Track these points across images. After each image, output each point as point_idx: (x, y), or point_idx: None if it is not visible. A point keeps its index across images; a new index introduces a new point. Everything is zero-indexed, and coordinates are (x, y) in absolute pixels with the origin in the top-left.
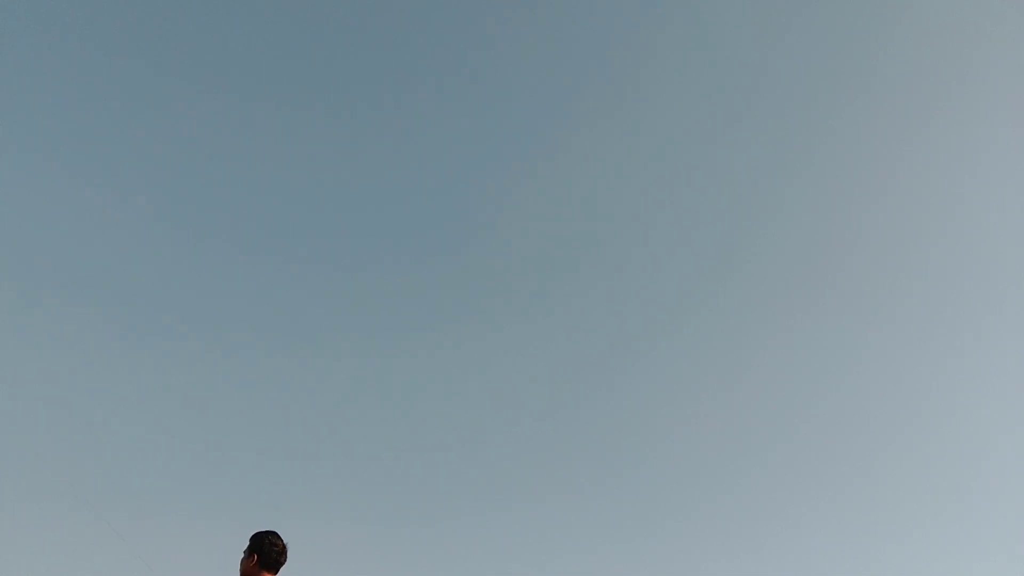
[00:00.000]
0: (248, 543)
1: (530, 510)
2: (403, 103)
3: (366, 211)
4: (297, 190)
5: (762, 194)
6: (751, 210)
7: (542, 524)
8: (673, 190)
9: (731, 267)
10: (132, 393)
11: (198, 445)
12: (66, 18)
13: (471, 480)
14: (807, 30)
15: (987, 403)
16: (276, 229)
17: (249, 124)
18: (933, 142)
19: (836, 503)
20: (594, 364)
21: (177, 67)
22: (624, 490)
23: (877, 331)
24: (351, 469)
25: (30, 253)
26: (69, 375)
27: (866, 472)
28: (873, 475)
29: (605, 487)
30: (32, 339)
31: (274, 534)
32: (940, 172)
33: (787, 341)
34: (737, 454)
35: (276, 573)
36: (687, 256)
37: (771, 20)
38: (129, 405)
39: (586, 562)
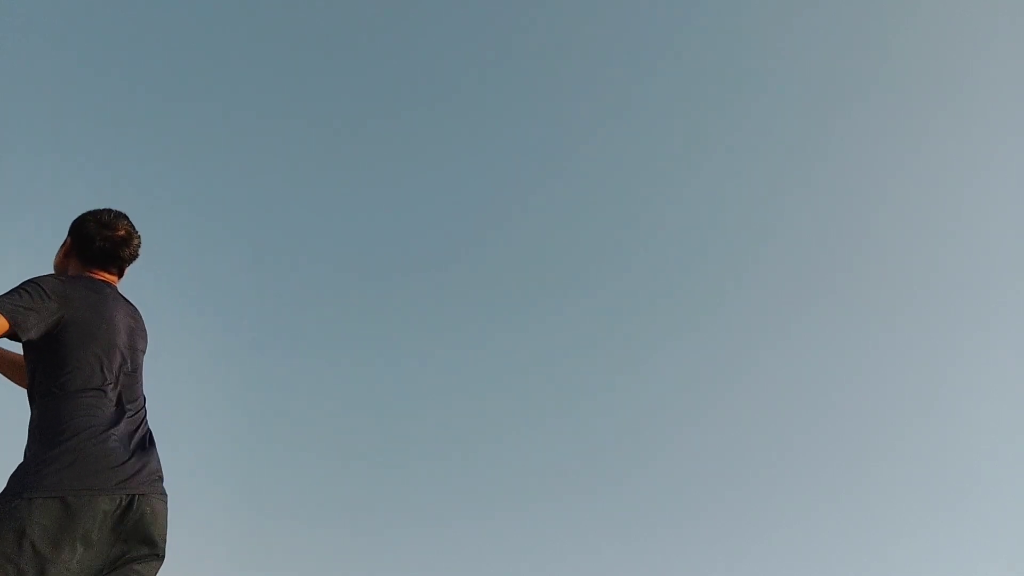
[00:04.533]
0: None
1: (534, 512)
2: (404, 106)
3: (368, 214)
4: (300, 195)
5: (767, 197)
6: (757, 212)
7: (547, 526)
8: (678, 192)
9: (736, 270)
10: None
11: (198, 447)
12: (66, 19)
13: (476, 483)
14: (810, 32)
15: (991, 406)
16: (278, 232)
17: (252, 129)
18: (938, 144)
19: (843, 505)
20: (599, 367)
21: (181, 71)
22: (629, 492)
23: (882, 334)
24: (354, 473)
25: (30, 255)
26: None
27: (873, 474)
28: (879, 477)
29: (610, 489)
30: None
31: (110, 213)
32: (946, 174)
33: (792, 343)
34: (742, 456)
35: (112, 272)
36: (692, 258)
37: (775, 22)
38: None
39: (591, 564)
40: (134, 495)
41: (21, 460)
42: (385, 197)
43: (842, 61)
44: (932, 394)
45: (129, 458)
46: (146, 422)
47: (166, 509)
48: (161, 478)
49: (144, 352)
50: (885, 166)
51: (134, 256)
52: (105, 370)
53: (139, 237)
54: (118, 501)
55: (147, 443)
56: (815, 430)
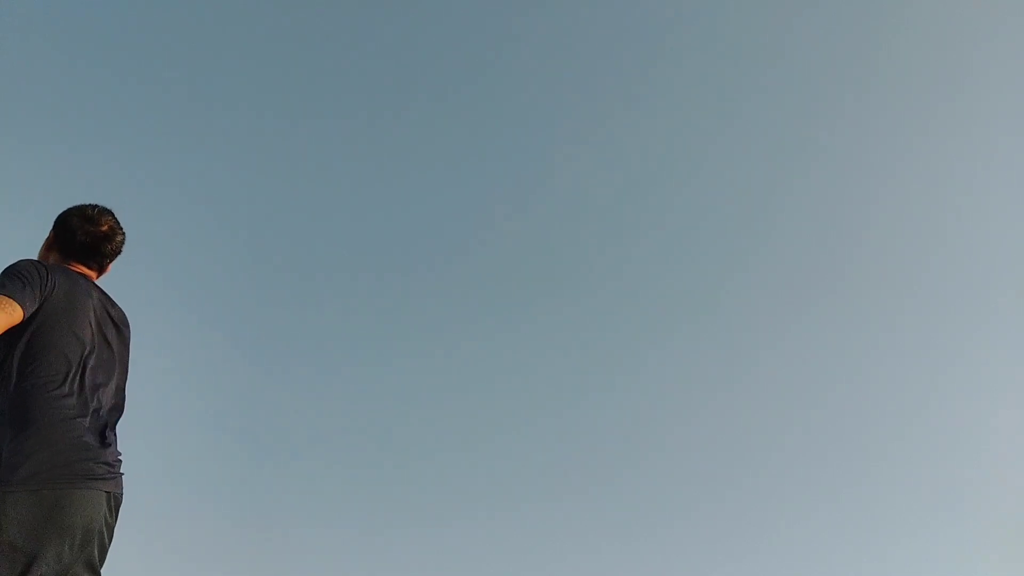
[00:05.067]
0: None
1: (534, 512)
2: (404, 105)
3: (366, 214)
4: (300, 193)
5: (765, 195)
6: (754, 211)
7: (546, 526)
8: (676, 191)
9: (734, 269)
10: (131, 394)
11: (198, 449)
12: (67, 18)
13: (475, 483)
14: (810, 32)
15: (989, 405)
16: (278, 233)
17: (250, 129)
18: (937, 142)
19: (840, 505)
20: (597, 366)
21: (179, 68)
22: (628, 492)
23: (880, 333)
24: (353, 473)
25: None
26: None
27: (870, 473)
28: (876, 477)
29: (608, 489)
30: None
31: (94, 208)
32: (944, 173)
33: (791, 342)
34: (741, 455)
35: (92, 267)
36: (690, 257)
37: (772, 20)
38: (128, 405)
39: (589, 564)
40: (108, 492)
41: None
42: (383, 197)
43: (842, 61)
44: (931, 394)
45: (102, 453)
46: (116, 418)
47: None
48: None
49: (125, 347)
50: (883, 166)
51: (116, 252)
52: (76, 360)
53: (123, 234)
54: (94, 497)
55: (114, 439)
56: (814, 430)
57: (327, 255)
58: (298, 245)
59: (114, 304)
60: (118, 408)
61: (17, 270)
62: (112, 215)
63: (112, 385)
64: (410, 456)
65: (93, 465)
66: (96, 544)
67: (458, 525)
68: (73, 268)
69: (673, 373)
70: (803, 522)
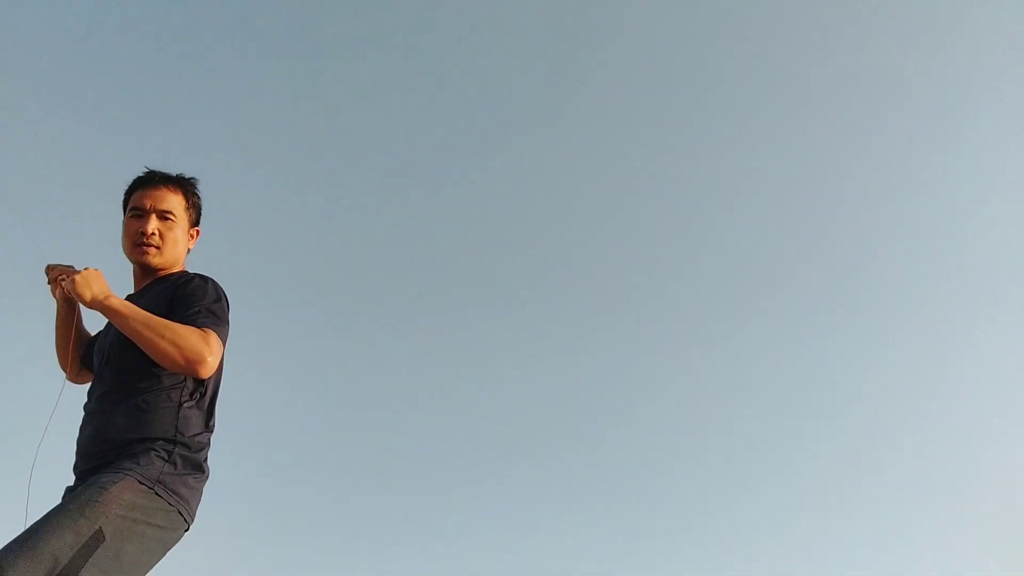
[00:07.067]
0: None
1: (535, 511)
2: (397, 102)
3: (363, 211)
4: (293, 191)
5: (767, 195)
6: (756, 210)
7: (546, 525)
8: (675, 190)
9: (733, 268)
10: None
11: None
12: (68, 17)
13: (474, 483)
14: (810, 30)
15: (992, 405)
16: (272, 230)
17: (246, 124)
18: (940, 142)
19: (839, 506)
20: (598, 365)
21: (174, 65)
22: (628, 491)
23: (880, 332)
24: (349, 471)
25: (34, 259)
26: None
27: (870, 475)
28: (876, 478)
29: (609, 489)
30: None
31: None
32: (949, 173)
33: (790, 342)
34: (741, 455)
35: None
36: (689, 257)
37: (768, 17)
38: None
39: (589, 563)
40: None
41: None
42: (382, 194)
43: (841, 61)
44: (931, 394)
45: None
46: None
47: None
48: None
49: None
50: (884, 166)
51: None
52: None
53: None
54: None
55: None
56: (813, 430)
57: (322, 254)
58: (292, 245)
59: None
60: None
61: (225, 307)
62: None
63: None
64: (405, 457)
65: None
66: None
67: (457, 524)
68: None
69: (673, 373)
70: (803, 522)
